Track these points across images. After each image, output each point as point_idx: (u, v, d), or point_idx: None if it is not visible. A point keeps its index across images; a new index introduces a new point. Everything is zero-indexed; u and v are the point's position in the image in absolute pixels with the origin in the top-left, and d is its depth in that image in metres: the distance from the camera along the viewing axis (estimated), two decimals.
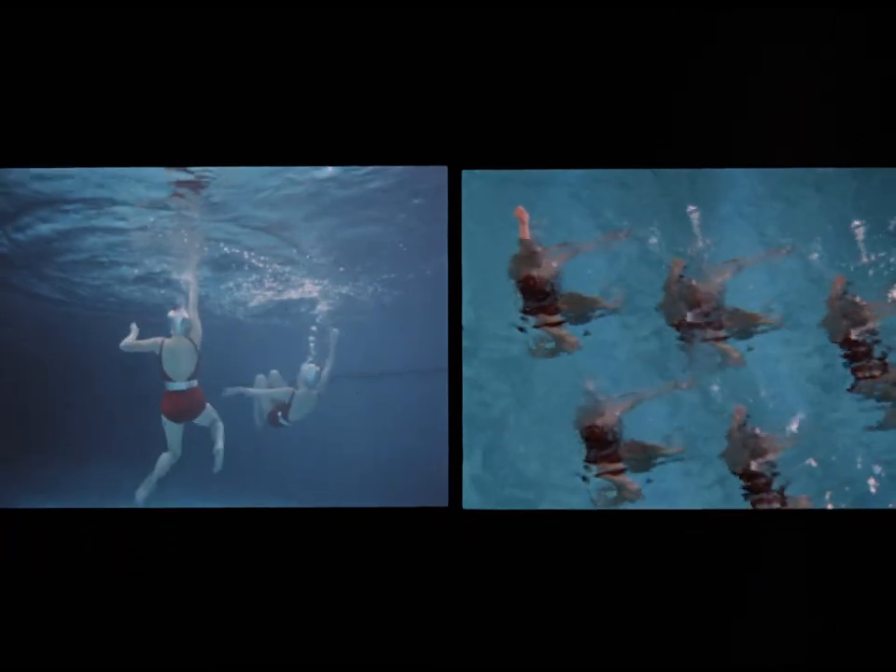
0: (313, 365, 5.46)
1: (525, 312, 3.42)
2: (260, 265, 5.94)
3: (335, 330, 5.64)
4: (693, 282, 3.40)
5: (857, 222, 3.41)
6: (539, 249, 3.43)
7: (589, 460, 3.31)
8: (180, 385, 4.43)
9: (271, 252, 5.70)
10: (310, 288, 6.51)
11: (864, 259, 3.40)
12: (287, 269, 6.07)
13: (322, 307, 6.89)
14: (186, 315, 4.48)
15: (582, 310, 3.42)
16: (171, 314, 4.48)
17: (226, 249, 5.55)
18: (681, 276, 3.41)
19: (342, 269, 6.08)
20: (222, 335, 4.92)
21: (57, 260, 5.76)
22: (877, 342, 3.32)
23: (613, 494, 3.28)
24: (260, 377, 5.41)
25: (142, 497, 4.27)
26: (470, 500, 3.29)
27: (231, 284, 6.44)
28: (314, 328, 7.06)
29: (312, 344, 6.83)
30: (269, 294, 6.68)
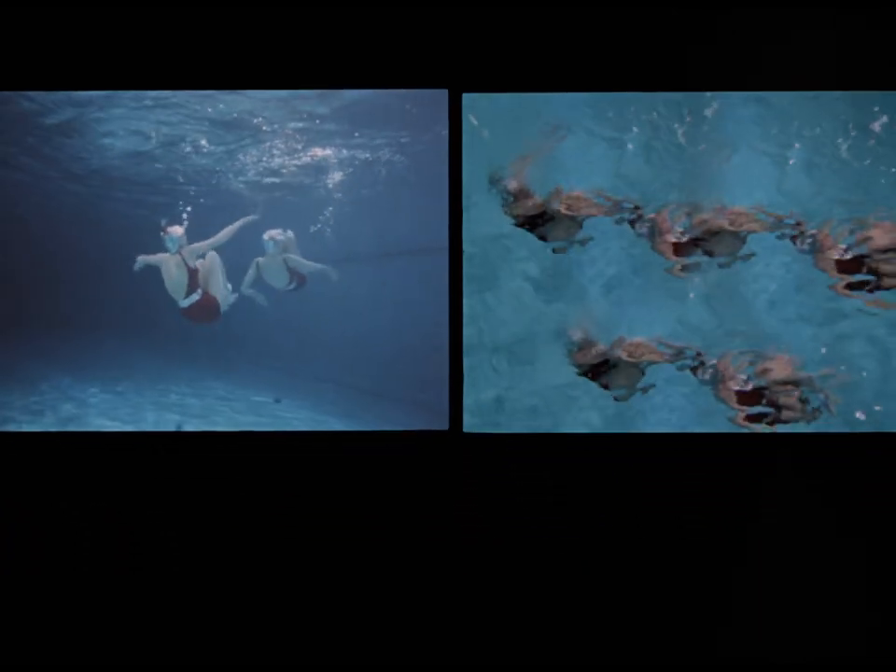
0: (276, 232, 5.18)
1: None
2: (270, 131, 5.86)
3: (335, 274, 5.42)
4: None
5: None
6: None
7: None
8: (184, 303, 4.54)
9: (280, 116, 5.61)
10: (320, 154, 6.40)
11: None
12: (298, 134, 5.98)
13: (335, 176, 6.84)
14: (179, 232, 4.49)
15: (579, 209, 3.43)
16: (162, 233, 4.49)
17: (234, 115, 5.48)
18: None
19: (357, 134, 5.99)
20: (232, 207, 4.89)
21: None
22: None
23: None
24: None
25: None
26: (471, 423, 3.34)
27: (239, 153, 6.36)
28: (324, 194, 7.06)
29: (327, 213, 6.82)
30: (279, 162, 6.59)
